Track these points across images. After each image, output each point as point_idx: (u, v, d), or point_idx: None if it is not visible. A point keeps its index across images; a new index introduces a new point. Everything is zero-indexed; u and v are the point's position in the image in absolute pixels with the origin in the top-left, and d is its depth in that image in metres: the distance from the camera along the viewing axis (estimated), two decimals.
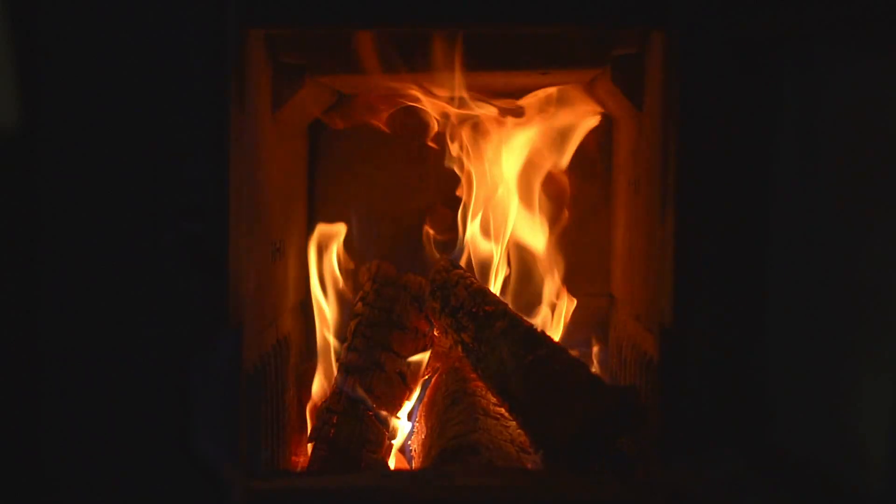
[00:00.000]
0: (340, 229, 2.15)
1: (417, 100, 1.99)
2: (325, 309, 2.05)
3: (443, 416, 1.80)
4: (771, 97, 1.31)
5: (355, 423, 1.79)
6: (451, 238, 2.15)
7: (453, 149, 2.11)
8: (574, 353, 1.70)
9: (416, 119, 2.11)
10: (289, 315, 1.94)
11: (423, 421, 1.93)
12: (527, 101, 2.04)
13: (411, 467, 1.91)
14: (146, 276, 1.28)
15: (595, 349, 2.13)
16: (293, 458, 1.91)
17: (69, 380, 1.28)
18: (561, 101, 2.01)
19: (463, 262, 2.09)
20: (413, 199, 2.23)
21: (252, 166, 1.47)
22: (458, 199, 2.14)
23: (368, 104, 2.11)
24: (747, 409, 1.32)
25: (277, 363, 1.77)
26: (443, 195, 2.19)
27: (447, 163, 2.13)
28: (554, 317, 2.08)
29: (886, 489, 1.09)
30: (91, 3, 1.27)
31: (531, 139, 2.06)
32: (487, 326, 1.77)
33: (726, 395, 1.33)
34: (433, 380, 2.01)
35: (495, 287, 2.09)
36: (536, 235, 2.12)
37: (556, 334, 2.06)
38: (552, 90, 2.00)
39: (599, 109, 1.99)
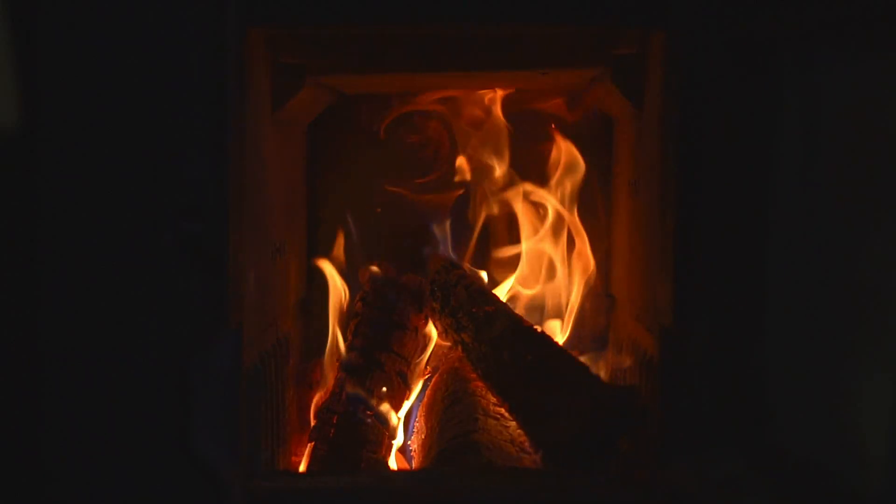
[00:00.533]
0: (341, 229, 2.15)
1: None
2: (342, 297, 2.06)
3: (443, 416, 1.80)
4: (771, 97, 1.31)
5: (355, 422, 1.79)
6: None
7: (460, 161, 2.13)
8: (574, 353, 1.70)
9: (425, 125, 2.13)
10: (289, 315, 1.94)
11: (423, 421, 1.93)
12: None
13: (411, 467, 1.91)
14: (146, 276, 1.28)
15: (595, 350, 2.13)
16: (293, 458, 1.91)
17: (69, 380, 1.28)
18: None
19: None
20: (413, 198, 2.22)
21: (252, 166, 1.47)
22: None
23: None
24: (747, 409, 1.32)
25: (277, 363, 1.77)
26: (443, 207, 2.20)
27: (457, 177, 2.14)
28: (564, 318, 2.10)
29: (886, 489, 1.09)
30: (91, 2, 1.27)
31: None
32: (487, 326, 1.77)
33: (726, 395, 1.33)
34: (433, 380, 2.01)
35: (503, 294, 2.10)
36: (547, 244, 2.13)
37: (561, 336, 2.07)
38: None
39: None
